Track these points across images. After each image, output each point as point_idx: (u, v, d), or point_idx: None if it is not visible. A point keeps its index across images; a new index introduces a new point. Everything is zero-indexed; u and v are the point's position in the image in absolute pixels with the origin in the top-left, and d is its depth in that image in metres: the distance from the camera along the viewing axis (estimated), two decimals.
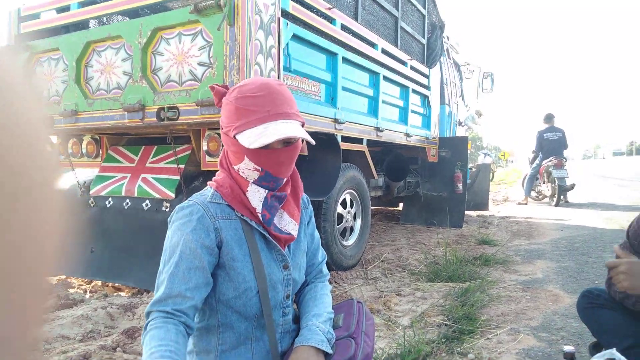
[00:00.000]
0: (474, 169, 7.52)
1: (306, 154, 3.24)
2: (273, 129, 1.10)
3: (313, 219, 1.41)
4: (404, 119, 4.94)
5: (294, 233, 1.24)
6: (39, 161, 0.27)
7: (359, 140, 4.08)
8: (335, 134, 3.46)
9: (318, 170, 3.31)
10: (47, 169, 0.28)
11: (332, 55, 3.48)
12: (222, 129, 1.19)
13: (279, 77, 2.73)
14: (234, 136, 1.13)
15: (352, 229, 4.10)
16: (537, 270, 3.77)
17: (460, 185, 5.83)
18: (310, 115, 3.18)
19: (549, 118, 8.52)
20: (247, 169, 1.17)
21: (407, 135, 4.98)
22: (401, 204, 6.68)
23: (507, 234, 5.68)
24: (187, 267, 1.08)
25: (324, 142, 3.33)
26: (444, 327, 2.54)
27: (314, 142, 1.20)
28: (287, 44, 2.90)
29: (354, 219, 4.12)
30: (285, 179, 1.22)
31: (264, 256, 1.19)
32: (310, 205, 1.42)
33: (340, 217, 3.92)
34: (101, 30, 3.09)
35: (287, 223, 1.23)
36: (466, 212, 6.68)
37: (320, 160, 3.34)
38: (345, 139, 3.78)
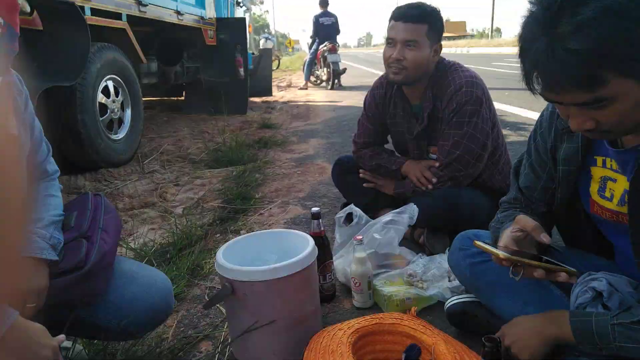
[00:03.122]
0: (256, 54, 7.46)
1: (41, 28, 2.60)
2: None
3: (30, 105, 1.10)
4: None
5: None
6: None
7: (117, 16, 3.48)
8: (80, 4, 2.84)
9: (61, 49, 2.72)
10: None
11: None
12: None
13: None
14: None
15: (121, 121, 3.66)
16: (310, 148, 4.08)
17: (241, 71, 5.72)
18: None
19: (324, 2, 8.83)
20: None
21: (179, 13, 4.48)
22: (185, 93, 6.29)
23: (287, 117, 5.97)
24: None
25: (65, 14, 2.71)
26: (220, 209, 2.56)
27: None
28: None
29: (122, 109, 3.67)
30: None
31: None
32: (25, 88, 1.09)
33: (105, 108, 3.43)
34: None
35: None
36: (251, 99, 6.72)
37: (62, 37, 2.73)
38: (97, 12, 3.16)
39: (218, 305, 1.56)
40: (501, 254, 0.96)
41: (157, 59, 4.70)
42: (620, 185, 1.00)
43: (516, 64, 0.90)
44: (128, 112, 3.71)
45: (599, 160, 1.05)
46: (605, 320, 0.94)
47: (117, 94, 3.56)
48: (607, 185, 1.03)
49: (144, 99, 4.35)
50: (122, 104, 3.64)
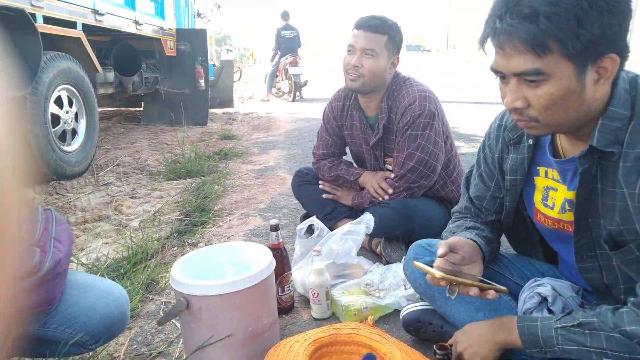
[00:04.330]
0: (217, 65, 7.40)
1: None
2: None
3: None
4: (131, 2, 4.31)
5: None
6: None
7: (71, 24, 3.38)
8: (31, 11, 2.74)
9: (10, 58, 2.61)
10: None
11: None
12: None
13: None
14: None
15: (75, 132, 3.53)
16: (271, 159, 4.08)
17: (202, 82, 5.66)
18: None
19: (285, 15, 8.90)
20: None
21: (137, 23, 4.40)
22: (143, 104, 6.15)
23: (248, 129, 5.94)
24: None
25: (15, 22, 2.61)
26: (178, 222, 2.51)
27: None
28: None
29: (76, 120, 3.55)
30: None
31: None
32: None
33: (57, 119, 3.30)
34: None
35: None
36: (212, 110, 6.65)
37: (11, 45, 2.62)
38: (50, 20, 3.06)
39: (173, 321, 1.52)
40: (437, 273, 1.00)
41: (115, 68, 4.59)
42: (561, 194, 1.06)
43: None
44: (82, 122, 3.59)
45: (542, 170, 1.10)
46: (550, 324, 0.98)
47: (70, 104, 3.44)
48: (549, 195, 1.09)
49: (100, 109, 4.23)
50: (76, 114, 3.52)
